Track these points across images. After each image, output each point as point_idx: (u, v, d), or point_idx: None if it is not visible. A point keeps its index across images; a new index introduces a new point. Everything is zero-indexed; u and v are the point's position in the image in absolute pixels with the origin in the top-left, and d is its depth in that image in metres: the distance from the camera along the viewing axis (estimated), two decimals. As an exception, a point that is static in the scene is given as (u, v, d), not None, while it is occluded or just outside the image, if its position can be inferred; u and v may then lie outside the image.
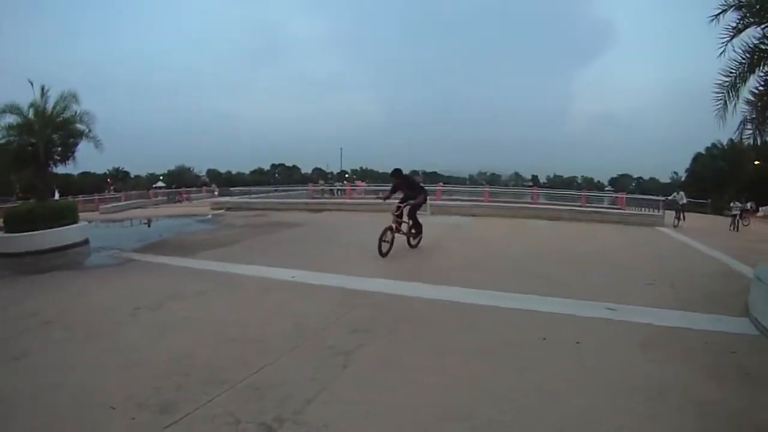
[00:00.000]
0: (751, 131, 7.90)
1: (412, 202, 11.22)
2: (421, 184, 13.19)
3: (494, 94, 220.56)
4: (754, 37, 7.32)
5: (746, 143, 8.50)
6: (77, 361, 4.99)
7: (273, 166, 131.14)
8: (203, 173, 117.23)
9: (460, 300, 7.15)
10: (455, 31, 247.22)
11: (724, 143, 48.02)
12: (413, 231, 11.72)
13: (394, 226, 10.94)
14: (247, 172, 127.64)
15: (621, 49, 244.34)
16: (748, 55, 7.41)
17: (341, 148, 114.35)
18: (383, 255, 10.44)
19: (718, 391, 4.38)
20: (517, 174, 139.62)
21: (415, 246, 11.88)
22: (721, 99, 7.86)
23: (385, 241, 10.55)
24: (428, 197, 12.70)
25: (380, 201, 13.12)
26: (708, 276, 9.88)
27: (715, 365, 5.02)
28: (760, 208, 38.75)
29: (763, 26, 7.19)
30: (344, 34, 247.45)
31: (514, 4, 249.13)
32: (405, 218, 11.37)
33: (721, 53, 7.71)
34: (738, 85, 7.66)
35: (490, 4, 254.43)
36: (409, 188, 11.61)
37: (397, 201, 11.37)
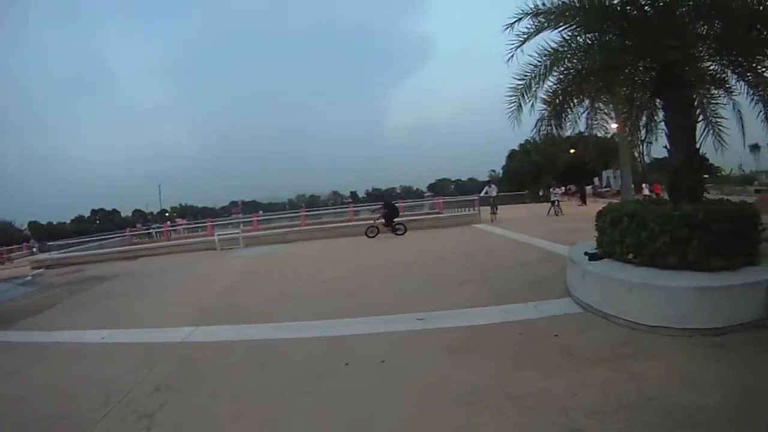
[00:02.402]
0: (549, 127, 8.42)
1: (387, 217, 20.44)
2: (396, 205, 24.13)
3: (314, 115, 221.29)
4: (553, 41, 7.76)
5: (542, 138, 8.99)
6: None
7: (93, 211, 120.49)
8: (25, 227, 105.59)
9: (264, 337, 7.04)
10: (277, 56, 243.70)
11: (538, 139, 51.91)
12: (396, 229, 20.29)
13: (378, 227, 20.25)
14: (68, 220, 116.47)
15: (439, 62, 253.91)
16: (545, 57, 7.83)
17: (159, 186, 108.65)
18: (370, 237, 19.82)
19: (541, 379, 4.53)
20: (335, 192, 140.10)
21: (402, 234, 20.11)
22: (515, 102, 8.27)
23: (371, 231, 20.11)
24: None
25: (204, 239, 20.31)
26: (525, 264, 10.46)
27: (535, 353, 5.22)
28: (586, 188, 42.48)
29: (560, 29, 7.64)
30: (160, 64, 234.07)
31: (331, 26, 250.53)
32: (386, 226, 20.25)
33: (510, 58, 8.11)
34: (534, 87, 8.09)
35: (310, 28, 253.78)
36: (390, 209, 21.11)
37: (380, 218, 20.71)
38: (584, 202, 33.23)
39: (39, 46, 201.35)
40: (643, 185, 28.12)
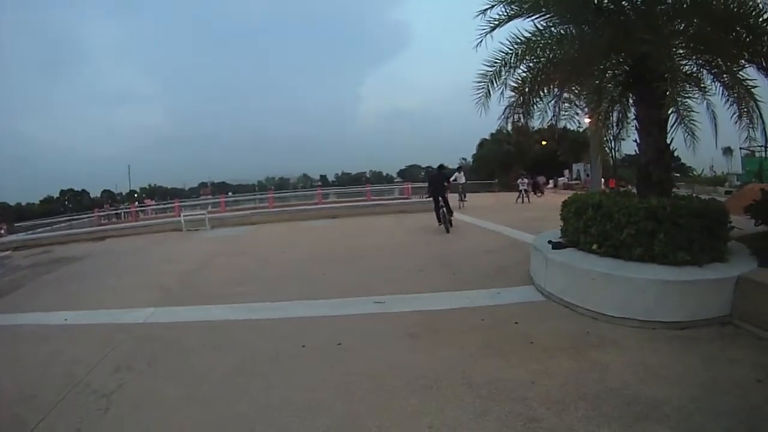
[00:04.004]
0: (518, 115, 8.37)
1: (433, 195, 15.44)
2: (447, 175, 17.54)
3: (287, 98, 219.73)
4: (526, 30, 7.67)
5: (515, 126, 8.95)
6: None
7: (62, 192, 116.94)
8: None
9: (223, 318, 7.03)
10: (250, 37, 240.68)
11: (507, 126, 52.47)
12: (442, 220, 14.89)
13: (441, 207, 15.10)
14: (37, 201, 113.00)
15: (415, 49, 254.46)
16: (517, 45, 7.75)
17: (129, 166, 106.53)
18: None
19: (500, 367, 4.47)
20: (305, 175, 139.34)
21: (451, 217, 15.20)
22: (483, 88, 8.16)
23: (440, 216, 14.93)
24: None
25: (171, 220, 18.10)
26: (489, 251, 10.44)
27: (496, 341, 5.16)
28: (550, 181, 43.00)
29: (533, 18, 7.55)
30: (131, 43, 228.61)
31: (304, 7, 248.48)
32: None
33: (479, 44, 8.01)
34: (505, 75, 8.00)
35: (286, 11, 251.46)
36: (433, 183, 15.75)
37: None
38: (541, 192, 33.15)
39: (4, 25, 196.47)
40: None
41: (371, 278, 8.61)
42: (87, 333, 6.88)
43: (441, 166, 17.01)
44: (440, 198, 15.13)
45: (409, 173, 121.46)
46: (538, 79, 7.91)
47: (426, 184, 18.45)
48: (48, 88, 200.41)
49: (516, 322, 5.66)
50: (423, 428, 3.54)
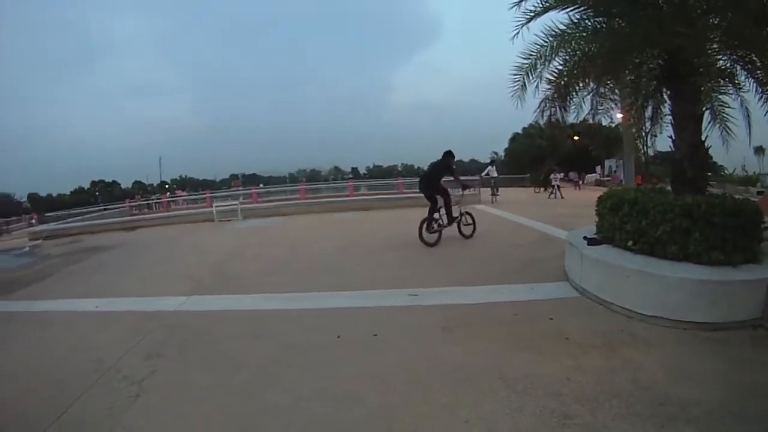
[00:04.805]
0: (553, 108, 8.32)
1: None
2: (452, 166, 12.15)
3: (318, 91, 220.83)
4: (561, 22, 7.67)
5: (550, 120, 8.90)
6: None
7: (93, 183, 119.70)
8: (24, 199, 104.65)
9: (256, 307, 7.04)
10: (283, 30, 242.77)
11: (542, 123, 52.40)
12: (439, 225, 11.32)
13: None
14: (68, 192, 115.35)
15: (446, 42, 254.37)
16: (551, 38, 7.72)
17: (160, 158, 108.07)
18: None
19: (535, 363, 4.47)
20: (336, 168, 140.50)
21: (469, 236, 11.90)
22: (519, 81, 8.18)
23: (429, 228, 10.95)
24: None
25: (203, 211, 17.18)
26: (522, 246, 10.40)
27: (530, 336, 5.17)
28: (585, 176, 42.80)
29: (567, 11, 7.60)
30: (158, 37, 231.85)
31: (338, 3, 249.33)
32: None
33: (515, 35, 8.03)
34: (540, 67, 7.98)
35: (318, 3, 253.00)
36: (425, 179, 11.66)
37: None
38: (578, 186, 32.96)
39: (38, 19, 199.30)
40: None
41: (404, 270, 8.62)
42: (118, 320, 6.98)
43: (447, 153, 11.70)
44: (434, 197, 11.23)
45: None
46: (574, 72, 7.86)
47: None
48: (80, 81, 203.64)
49: (550, 318, 5.65)
50: (459, 422, 3.57)
